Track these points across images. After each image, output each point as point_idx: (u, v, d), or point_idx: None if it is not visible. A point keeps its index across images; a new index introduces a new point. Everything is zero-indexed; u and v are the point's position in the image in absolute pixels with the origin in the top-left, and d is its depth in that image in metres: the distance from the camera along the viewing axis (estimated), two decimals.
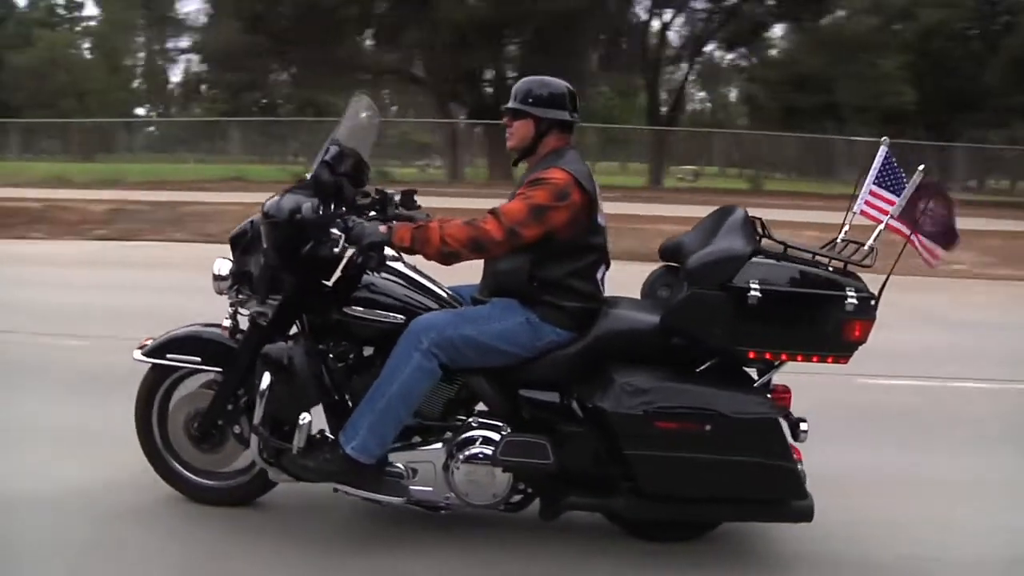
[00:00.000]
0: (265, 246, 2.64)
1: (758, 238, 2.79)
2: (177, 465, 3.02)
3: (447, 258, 2.57)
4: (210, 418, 2.88)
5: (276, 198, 2.64)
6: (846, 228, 2.97)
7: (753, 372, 2.79)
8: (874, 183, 2.94)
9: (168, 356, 2.91)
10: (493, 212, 2.60)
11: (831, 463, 3.20)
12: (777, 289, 2.55)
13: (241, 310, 2.85)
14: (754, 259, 2.59)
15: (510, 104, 2.78)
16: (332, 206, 2.68)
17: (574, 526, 2.97)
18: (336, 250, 2.51)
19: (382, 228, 2.56)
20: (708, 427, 2.55)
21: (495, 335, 2.67)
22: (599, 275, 2.80)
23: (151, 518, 2.97)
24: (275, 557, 2.75)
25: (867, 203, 2.94)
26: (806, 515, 2.69)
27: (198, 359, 2.91)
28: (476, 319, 2.71)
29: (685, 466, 2.59)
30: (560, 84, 2.81)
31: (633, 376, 2.60)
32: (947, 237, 2.82)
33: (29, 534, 2.87)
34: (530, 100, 2.75)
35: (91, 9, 52.72)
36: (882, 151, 2.94)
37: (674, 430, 2.56)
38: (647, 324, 2.71)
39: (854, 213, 2.97)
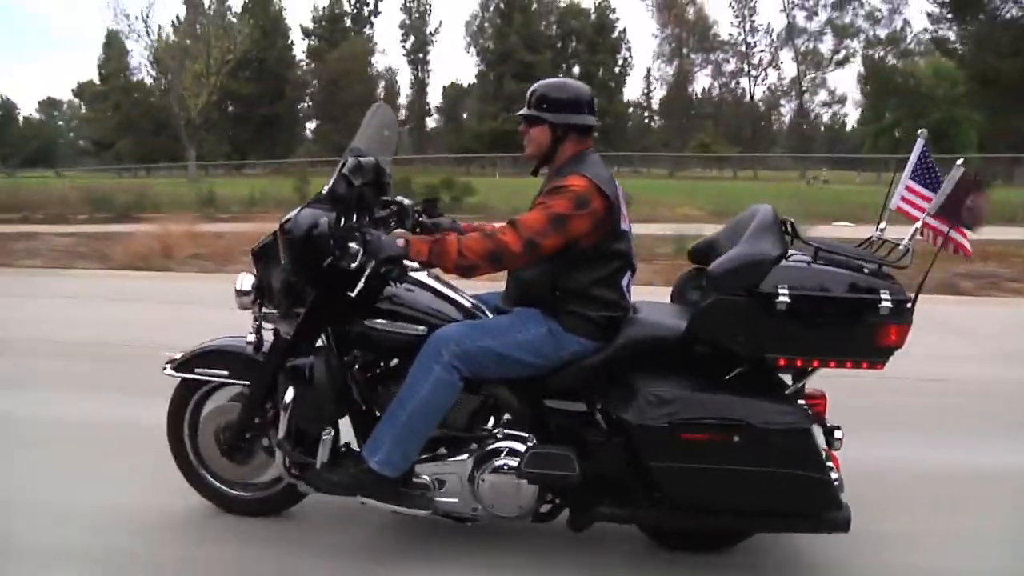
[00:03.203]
0: (284, 261, 2.64)
1: (788, 240, 2.70)
2: (209, 477, 3.06)
3: (465, 271, 2.53)
4: (238, 431, 2.91)
5: (294, 213, 2.63)
6: (882, 226, 2.84)
7: (788, 378, 2.71)
8: (910, 177, 2.81)
9: (196, 371, 2.94)
10: (512, 223, 2.55)
11: None
12: (807, 294, 2.45)
13: (265, 324, 2.86)
14: (783, 262, 2.51)
15: (524, 111, 2.72)
16: (351, 219, 2.67)
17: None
18: (354, 264, 2.50)
19: (400, 242, 2.53)
20: (736, 438, 2.47)
21: (517, 346, 2.63)
22: (624, 282, 2.73)
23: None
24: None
25: (903, 199, 2.81)
26: (842, 526, 2.60)
27: (225, 372, 2.94)
28: (497, 330, 2.67)
29: (712, 478, 2.52)
30: (578, 86, 2.74)
31: (657, 386, 2.54)
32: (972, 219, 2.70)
33: None
34: (544, 105, 2.68)
35: None
36: (919, 144, 2.81)
37: (700, 441, 2.49)
38: (672, 332, 2.63)
39: (890, 209, 2.85)
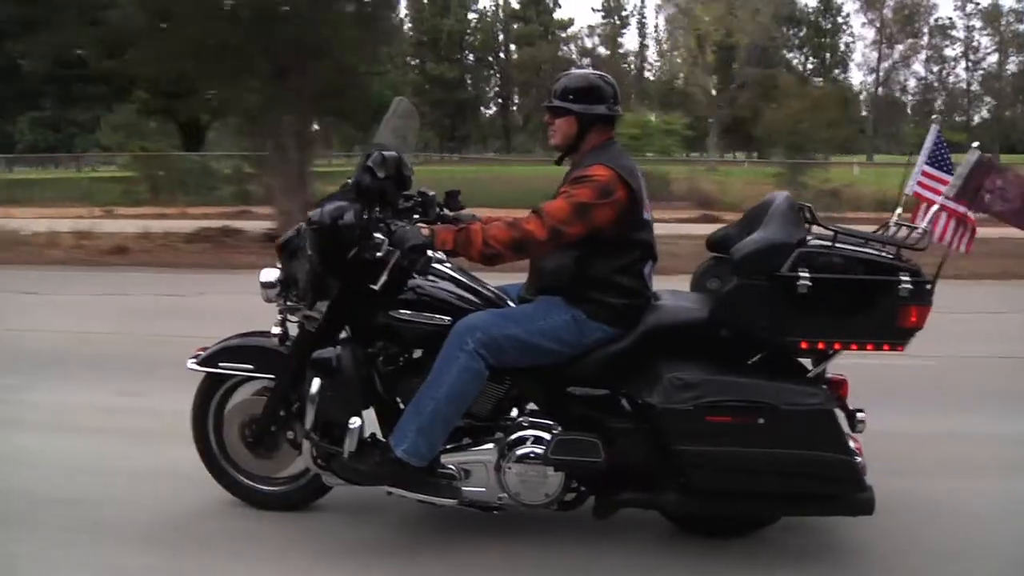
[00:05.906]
0: (310, 253, 2.67)
1: (807, 225, 2.74)
2: (233, 471, 3.08)
3: (490, 260, 2.57)
4: (263, 424, 2.93)
5: (320, 205, 2.66)
6: (899, 210, 2.88)
7: (809, 363, 2.73)
8: (926, 163, 2.85)
9: (221, 365, 2.97)
10: (536, 211, 2.58)
11: None
12: (828, 277, 2.48)
13: (290, 317, 2.89)
14: (803, 247, 2.54)
15: (549, 102, 2.75)
16: (375, 211, 2.70)
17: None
18: (379, 254, 2.53)
19: (424, 231, 2.56)
20: (760, 420, 2.50)
21: (540, 333, 2.65)
22: (646, 270, 2.76)
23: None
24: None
25: (920, 184, 2.85)
26: (866, 508, 2.62)
27: (251, 367, 2.96)
28: (521, 318, 2.70)
29: (737, 461, 2.54)
30: (600, 78, 2.78)
31: (682, 370, 2.56)
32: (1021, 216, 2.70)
33: None
34: (570, 96, 2.72)
35: None
36: (933, 130, 2.85)
37: (725, 424, 2.51)
38: (695, 317, 2.67)
39: (907, 195, 2.89)
